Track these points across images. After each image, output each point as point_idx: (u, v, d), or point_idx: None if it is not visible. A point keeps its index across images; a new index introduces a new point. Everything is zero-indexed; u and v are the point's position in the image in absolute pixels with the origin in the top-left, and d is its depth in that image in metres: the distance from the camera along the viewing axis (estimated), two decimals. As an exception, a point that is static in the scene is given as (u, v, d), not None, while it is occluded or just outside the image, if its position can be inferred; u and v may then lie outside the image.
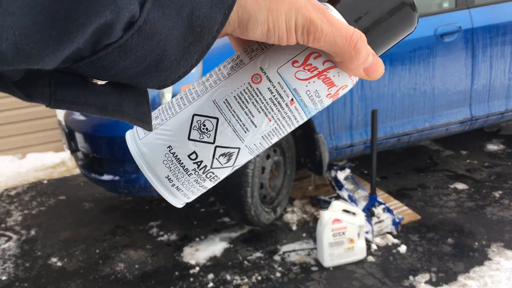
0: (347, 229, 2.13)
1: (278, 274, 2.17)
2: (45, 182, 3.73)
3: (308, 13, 0.29)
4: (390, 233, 2.43)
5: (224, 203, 2.90)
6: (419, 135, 2.84)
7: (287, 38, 0.29)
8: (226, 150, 0.34)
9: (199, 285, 2.14)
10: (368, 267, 2.17)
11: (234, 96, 0.33)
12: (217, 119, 0.33)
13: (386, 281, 2.05)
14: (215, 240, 2.51)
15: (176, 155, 0.34)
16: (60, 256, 2.51)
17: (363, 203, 2.53)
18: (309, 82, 0.33)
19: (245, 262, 2.30)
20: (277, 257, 2.31)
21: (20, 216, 3.07)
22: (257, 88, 0.33)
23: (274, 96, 0.33)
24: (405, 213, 2.63)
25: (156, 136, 0.34)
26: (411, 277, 2.06)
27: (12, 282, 2.31)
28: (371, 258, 2.22)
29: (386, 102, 2.66)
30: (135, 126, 0.36)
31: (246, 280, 2.15)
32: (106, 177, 2.30)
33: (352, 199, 2.57)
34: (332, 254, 2.15)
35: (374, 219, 2.41)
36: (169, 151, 0.34)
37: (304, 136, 2.62)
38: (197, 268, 2.27)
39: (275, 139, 0.35)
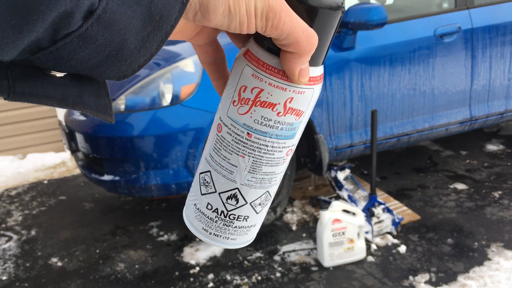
0: (347, 229, 2.14)
1: (278, 274, 2.18)
2: (45, 182, 3.73)
3: (268, 0, 0.29)
4: (390, 233, 2.43)
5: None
6: (419, 135, 2.85)
7: (247, 23, 0.29)
8: (228, 193, 0.39)
9: (199, 285, 2.14)
10: (368, 267, 2.17)
11: (212, 149, 0.38)
12: (210, 171, 0.39)
13: (386, 281, 2.05)
14: (215, 240, 2.51)
15: (200, 209, 0.40)
16: (60, 256, 2.51)
17: (363, 203, 2.53)
18: (251, 113, 0.35)
19: (245, 262, 2.30)
20: (277, 257, 2.32)
21: (20, 216, 3.08)
22: (221, 136, 0.37)
23: (233, 137, 0.36)
24: (405, 213, 2.63)
25: (189, 199, 0.42)
26: (411, 277, 2.07)
27: (12, 282, 2.31)
28: (371, 258, 2.23)
29: (386, 103, 2.66)
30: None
31: (246, 280, 2.15)
32: (106, 177, 2.30)
33: (352, 199, 2.57)
34: (332, 254, 2.16)
35: (374, 219, 2.41)
36: (196, 207, 0.41)
37: (304, 136, 2.63)
38: (197, 268, 2.27)
39: (268, 169, 0.38)
